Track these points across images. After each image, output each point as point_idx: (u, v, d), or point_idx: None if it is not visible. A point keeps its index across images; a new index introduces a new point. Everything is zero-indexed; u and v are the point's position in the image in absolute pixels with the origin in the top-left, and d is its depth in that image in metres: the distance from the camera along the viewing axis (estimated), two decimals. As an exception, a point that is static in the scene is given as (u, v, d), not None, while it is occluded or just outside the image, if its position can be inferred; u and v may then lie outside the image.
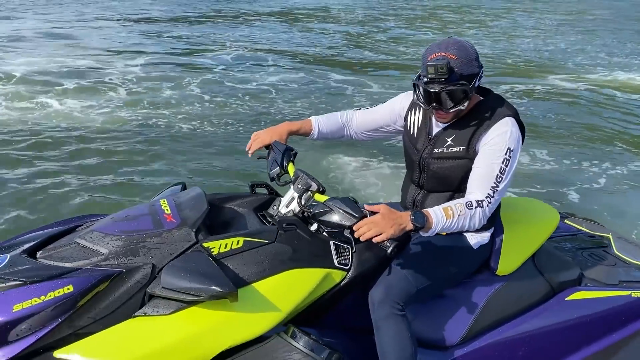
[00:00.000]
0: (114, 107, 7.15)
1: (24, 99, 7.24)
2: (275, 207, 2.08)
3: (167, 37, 12.37)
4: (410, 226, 1.83)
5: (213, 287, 1.60)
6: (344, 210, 1.83)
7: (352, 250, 1.93)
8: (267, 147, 2.26)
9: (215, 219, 2.10)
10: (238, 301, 1.68)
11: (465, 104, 2.00)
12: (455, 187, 2.12)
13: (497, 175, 1.99)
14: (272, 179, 2.16)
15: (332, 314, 2.05)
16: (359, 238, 1.80)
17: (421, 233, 1.91)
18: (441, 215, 1.90)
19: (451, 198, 2.12)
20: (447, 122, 2.09)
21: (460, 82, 1.95)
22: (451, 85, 1.94)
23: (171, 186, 2.26)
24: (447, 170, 2.10)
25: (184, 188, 2.26)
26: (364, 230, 1.78)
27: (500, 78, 9.77)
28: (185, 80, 8.63)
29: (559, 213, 3.30)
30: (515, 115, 2.10)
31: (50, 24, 12.97)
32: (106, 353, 1.60)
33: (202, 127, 6.65)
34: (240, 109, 7.39)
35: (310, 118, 2.36)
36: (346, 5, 19.64)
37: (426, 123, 2.17)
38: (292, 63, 10.34)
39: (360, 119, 2.37)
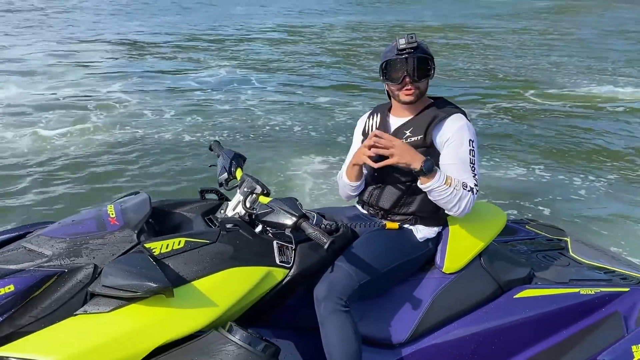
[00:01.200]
0: (89, 131, 7.18)
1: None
2: (222, 211, 2.13)
3: (151, 59, 12.49)
4: (417, 166, 2.03)
5: (147, 283, 1.64)
6: (284, 210, 1.88)
7: (293, 248, 1.98)
8: (218, 155, 2.33)
9: (164, 223, 2.15)
10: (174, 297, 1.73)
11: (431, 74, 2.17)
12: (412, 178, 2.19)
13: (470, 166, 2.15)
14: (221, 184, 2.22)
15: (282, 312, 2.09)
16: (304, 232, 1.84)
17: (419, 183, 2.11)
18: (444, 178, 2.08)
19: (407, 190, 2.22)
20: (412, 101, 2.19)
21: (426, 55, 2.16)
22: (421, 54, 2.13)
23: (126, 195, 2.31)
24: None
25: None
26: (384, 142, 2.03)
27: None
28: (168, 102, 8.74)
29: (522, 219, 3.39)
30: (464, 114, 2.24)
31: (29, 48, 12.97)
32: (46, 350, 1.63)
33: (179, 144, 6.75)
34: (219, 129, 7.50)
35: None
36: (327, 25, 19.91)
37: (384, 123, 2.29)
38: (278, 83, 10.51)
39: None
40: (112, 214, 1.93)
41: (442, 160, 2.16)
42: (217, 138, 6.91)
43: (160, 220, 2.16)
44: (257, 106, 8.78)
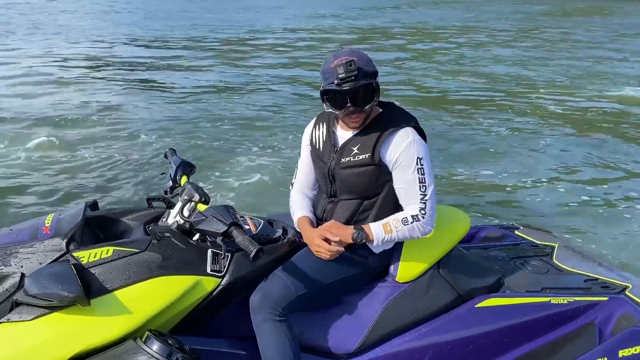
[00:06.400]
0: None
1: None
2: (164, 219, 2.12)
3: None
4: (350, 240, 2.06)
5: (61, 293, 1.66)
6: (216, 218, 1.86)
7: (222, 257, 1.95)
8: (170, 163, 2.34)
9: (109, 232, 2.17)
10: (94, 307, 1.73)
11: (376, 99, 2.06)
12: (364, 193, 2.14)
13: (419, 186, 2.07)
14: (166, 192, 2.22)
15: (225, 321, 2.06)
16: (237, 243, 1.82)
17: (370, 246, 2.12)
18: (380, 230, 2.08)
19: (360, 205, 2.15)
20: (358, 127, 2.12)
21: (368, 79, 2.03)
22: (363, 81, 2.00)
23: (86, 203, 2.33)
24: (355, 177, 2.12)
25: (95, 206, 2.34)
26: (327, 248, 2.04)
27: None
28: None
29: (513, 224, 3.24)
30: (416, 124, 2.14)
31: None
32: None
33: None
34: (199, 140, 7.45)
35: (302, 217, 2.22)
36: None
37: (330, 136, 2.20)
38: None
39: (303, 185, 2.34)
40: (47, 223, 1.96)
41: (394, 184, 2.11)
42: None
43: (106, 228, 2.18)
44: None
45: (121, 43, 16.33)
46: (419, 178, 2.06)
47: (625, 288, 2.36)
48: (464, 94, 10.53)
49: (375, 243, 2.09)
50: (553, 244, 2.83)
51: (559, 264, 2.60)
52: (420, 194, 2.06)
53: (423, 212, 2.06)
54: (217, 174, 6.03)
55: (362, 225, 2.08)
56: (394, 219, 2.08)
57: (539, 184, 5.94)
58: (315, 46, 16.50)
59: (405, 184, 2.07)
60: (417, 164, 2.05)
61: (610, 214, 5.24)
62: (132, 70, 12.33)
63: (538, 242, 2.87)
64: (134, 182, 5.78)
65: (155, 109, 8.78)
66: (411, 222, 2.06)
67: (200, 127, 7.82)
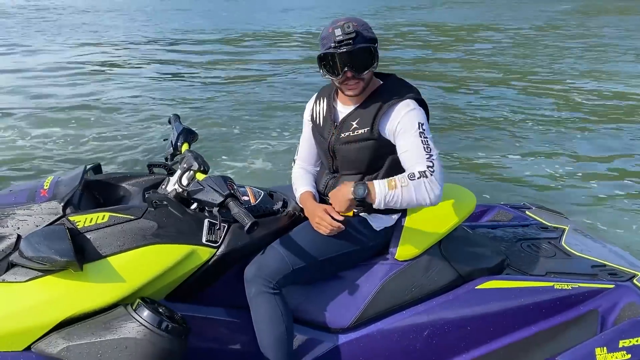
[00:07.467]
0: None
1: None
2: (163, 187, 2.11)
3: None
4: (350, 195, 1.91)
5: (53, 257, 1.66)
6: (213, 188, 1.84)
7: (217, 228, 1.94)
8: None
9: (109, 196, 2.17)
10: (87, 272, 1.74)
11: (375, 64, 1.98)
12: (365, 168, 2.09)
13: (424, 147, 1.96)
14: (166, 159, 2.20)
15: (222, 290, 2.05)
16: (232, 215, 1.80)
17: (374, 206, 1.94)
18: (384, 186, 1.92)
19: (362, 179, 2.10)
20: (356, 96, 2.05)
21: (367, 43, 1.95)
22: (361, 44, 1.93)
23: (86, 166, 2.33)
24: (356, 152, 2.07)
25: (99, 169, 2.34)
26: (327, 220, 1.97)
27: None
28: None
29: (525, 204, 3.16)
30: (417, 95, 2.06)
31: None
32: None
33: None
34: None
35: (305, 192, 2.20)
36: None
37: (330, 111, 2.15)
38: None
39: (305, 161, 2.31)
40: (46, 186, 1.96)
41: (398, 153, 2.01)
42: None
43: (106, 193, 2.18)
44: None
45: (158, 39, 16.34)
46: (422, 140, 1.95)
47: (634, 276, 2.29)
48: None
49: (377, 200, 1.92)
50: (564, 227, 2.76)
51: (567, 247, 2.53)
52: (426, 154, 1.93)
53: (431, 169, 1.91)
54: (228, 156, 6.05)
55: (367, 183, 1.94)
56: (400, 176, 1.93)
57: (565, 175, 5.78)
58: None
59: (409, 145, 1.96)
60: (418, 127, 1.96)
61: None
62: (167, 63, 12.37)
63: (548, 224, 2.80)
64: (140, 148, 5.88)
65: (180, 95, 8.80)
66: (418, 178, 1.90)
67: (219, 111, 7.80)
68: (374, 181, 1.94)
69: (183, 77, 10.55)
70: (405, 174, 1.93)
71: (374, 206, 1.95)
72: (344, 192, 1.93)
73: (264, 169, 5.67)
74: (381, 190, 1.91)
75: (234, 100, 8.64)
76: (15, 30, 17.37)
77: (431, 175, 1.91)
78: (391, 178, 1.94)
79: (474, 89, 9.58)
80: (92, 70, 10.95)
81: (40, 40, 15.17)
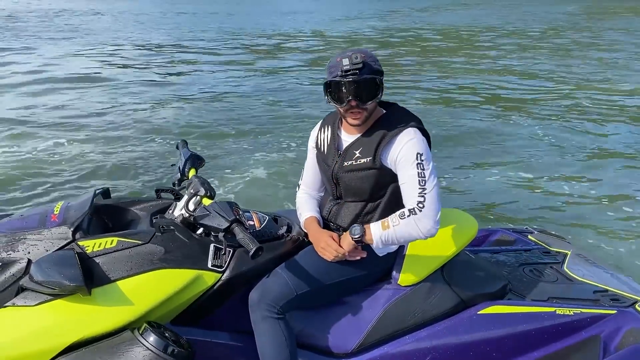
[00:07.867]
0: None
1: None
2: (170, 211, 2.15)
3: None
4: (349, 238, 2.03)
5: (62, 281, 1.70)
6: (219, 214, 1.88)
7: (223, 253, 1.97)
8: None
9: (118, 221, 2.21)
10: (96, 296, 1.77)
11: (379, 95, 2.04)
12: (368, 196, 2.14)
13: (419, 180, 2.00)
14: (174, 184, 2.25)
15: (228, 315, 2.08)
16: (237, 240, 1.84)
17: (372, 246, 2.07)
18: (378, 228, 2.02)
19: (364, 207, 2.15)
20: (359, 126, 2.10)
21: (373, 74, 2.01)
22: (367, 75, 1.99)
23: (95, 191, 2.38)
24: (358, 180, 2.12)
25: (107, 194, 2.39)
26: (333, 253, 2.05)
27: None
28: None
29: (527, 228, 3.18)
30: (419, 124, 2.10)
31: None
32: None
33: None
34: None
35: (310, 217, 2.25)
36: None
37: (334, 140, 2.20)
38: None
39: (309, 186, 2.35)
40: (56, 211, 2.01)
41: (399, 183, 2.07)
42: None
43: (115, 217, 2.22)
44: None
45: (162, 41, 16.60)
46: (418, 172, 2.00)
47: (636, 302, 2.31)
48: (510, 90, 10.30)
49: (375, 241, 2.02)
50: (566, 251, 2.78)
51: (569, 272, 2.55)
52: (419, 188, 1.98)
53: (421, 205, 1.97)
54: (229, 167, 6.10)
55: (364, 225, 2.04)
56: (392, 215, 2.02)
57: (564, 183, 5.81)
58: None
59: (406, 179, 2.02)
60: (416, 159, 2.00)
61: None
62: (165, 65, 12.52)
63: (550, 249, 2.82)
64: (149, 172, 5.89)
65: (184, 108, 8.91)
66: (407, 216, 1.97)
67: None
68: (371, 225, 2.04)
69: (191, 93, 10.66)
70: (397, 213, 2.01)
71: (373, 247, 2.08)
72: (344, 237, 2.07)
73: (263, 179, 5.74)
74: (376, 231, 2.02)
75: (234, 107, 8.71)
76: (27, 35, 17.53)
77: (420, 211, 1.97)
78: (385, 219, 2.03)
79: (489, 111, 9.64)
80: (87, 80, 10.93)
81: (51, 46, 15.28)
